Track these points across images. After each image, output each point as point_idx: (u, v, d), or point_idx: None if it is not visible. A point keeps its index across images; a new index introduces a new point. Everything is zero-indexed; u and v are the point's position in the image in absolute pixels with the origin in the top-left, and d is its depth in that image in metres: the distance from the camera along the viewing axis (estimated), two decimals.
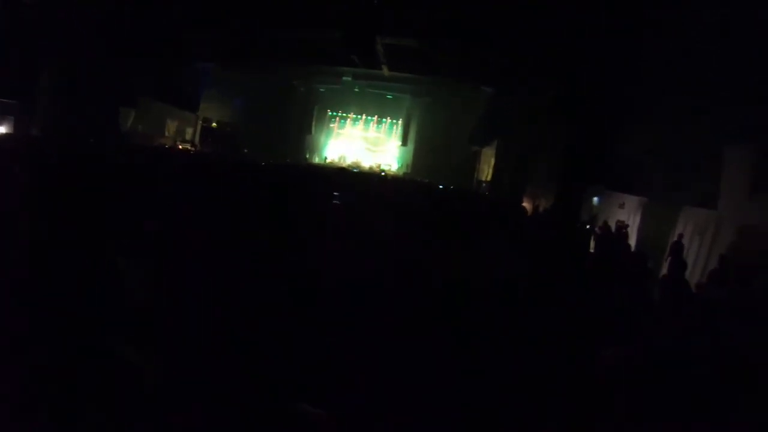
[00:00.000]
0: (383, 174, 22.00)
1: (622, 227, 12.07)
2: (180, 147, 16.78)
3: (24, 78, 10.61)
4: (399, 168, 23.95)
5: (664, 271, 10.41)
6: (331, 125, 25.36)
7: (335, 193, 7.55)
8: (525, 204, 16.75)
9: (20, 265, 3.09)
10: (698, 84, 8.84)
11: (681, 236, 9.88)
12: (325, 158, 24.81)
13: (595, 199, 13.87)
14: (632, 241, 11.31)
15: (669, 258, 9.01)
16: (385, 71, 20.11)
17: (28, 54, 10.33)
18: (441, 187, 16.35)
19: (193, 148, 17.76)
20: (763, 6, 7.25)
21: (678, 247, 9.62)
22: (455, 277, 4.25)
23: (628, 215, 12.17)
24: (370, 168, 23.74)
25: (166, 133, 17.40)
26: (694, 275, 9.17)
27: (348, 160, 24.57)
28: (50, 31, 10.56)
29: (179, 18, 13.35)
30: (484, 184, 19.41)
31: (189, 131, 19.00)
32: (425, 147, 22.43)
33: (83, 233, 3.76)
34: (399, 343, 3.07)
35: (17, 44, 9.88)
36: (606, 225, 12.67)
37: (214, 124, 20.29)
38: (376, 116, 24.78)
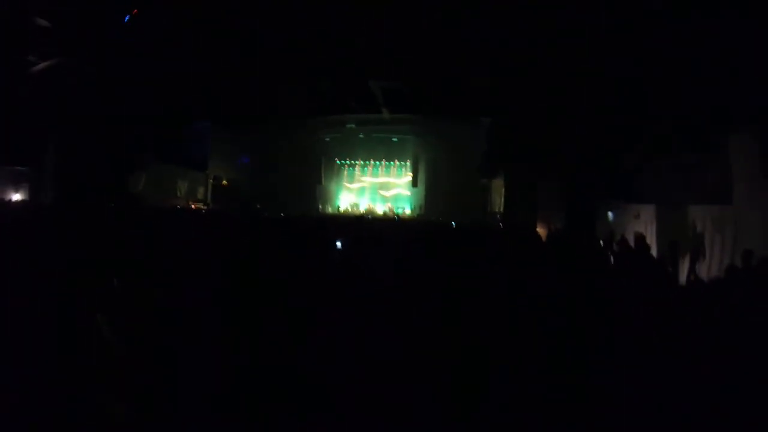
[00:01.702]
0: (397, 218, 22.03)
1: (640, 238, 11.82)
2: (193, 206, 17.04)
3: (36, 145, 10.98)
4: (412, 210, 23.94)
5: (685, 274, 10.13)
6: (341, 174, 25.64)
7: (343, 243, 7.52)
8: (539, 229, 16.56)
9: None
10: (692, 81, 8.82)
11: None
12: (338, 207, 24.93)
13: (610, 213, 13.67)
14: (653, 250, 11.05)
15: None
16: (386, 114, 20.47)
17: (39, 121, 10.72)
18: (453, 224, 16.26)
19: (205, 207, 18.01)
20: None
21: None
22: (478, 309, 4.17)
23: (644, 225, 11.94)
24: (384, 213, 23.79)
25: (178, 194, 17.73)
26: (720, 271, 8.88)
27: (361, 208, 24.68)
28: (58, 99, 11.00)
29: (177, 81, 13.84)
30: (497, 216, 19.28)
31: (200, 190, 19.35)
32: (436, 185, 22.47)
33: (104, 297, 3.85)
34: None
35: (28, 112, 10.29)
36: (623, 239, 12.42)
37: (224, 182, 20.63)
38: (383, 160, 25.01)
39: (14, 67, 9.97)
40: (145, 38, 11.11)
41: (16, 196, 10.87)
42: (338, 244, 7.66)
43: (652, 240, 11.26)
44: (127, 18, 10.73)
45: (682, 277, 10.06)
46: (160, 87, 12.92)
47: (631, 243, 12.12)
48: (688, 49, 8.30)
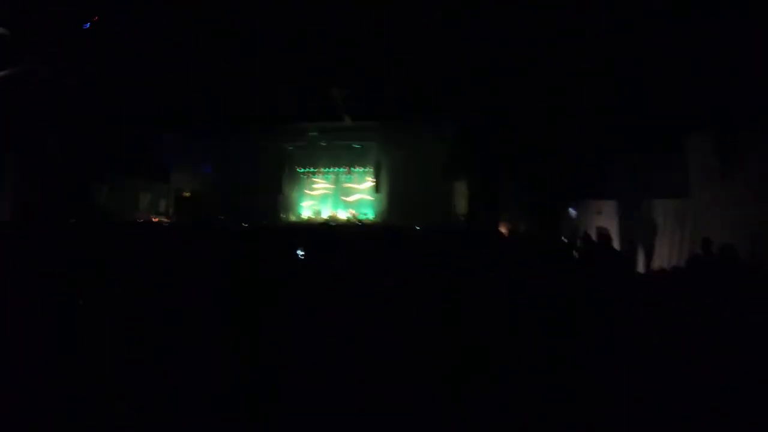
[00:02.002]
0: (360, 224, 22.10)
1: (603, 233, 12.29)
2: (155, 219, 16.66)
3: None
4: (376, 215, 24.05)
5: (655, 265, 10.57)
6: (303, 182, 25.56)
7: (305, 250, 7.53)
8: (502, 228, 16.96)
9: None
10: (652, 79, 9.26)
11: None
12: (300, 215, 24.82)
13: (571, 210, 14.15)
14: (615, 244, 11.50)
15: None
16: (348, 121, 20.52)
17: None
18: (417, 228, 16.45)
19: (168, 219, 17.63)
20: None
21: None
22: (445, 306, 4.29)
23: (607, 220, 12.42)
24: (347, 219, 23.82)
25: (140, 207, 17.31)
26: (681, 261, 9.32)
27: (323, 215, 24.65)
28: (14, 110, 10.59)
29: (140, 91, 13.55)
30: (461, 217, 19.61)
31: (162, 202, 18.93)
32: (399, 190, 22.62)
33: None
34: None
35: None
36: (586, 234, 12.85)
37: (186, 194, 20.25)
38: (347, 167, 25.08)
39: None
40: (107, 47, 10.84)
41: None
42: (300, 252, 7.69)
43: (614, 234, 11.74)
44: (87, 25, 10.44)
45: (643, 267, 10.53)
46: (122, 97, 12.61)
47: (594, 238, 12.59)
48: (650, 48, 8.72)
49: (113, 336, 3.72)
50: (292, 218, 24.39)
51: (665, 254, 10.02)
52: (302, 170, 25.34)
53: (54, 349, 3.48)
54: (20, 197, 11.36)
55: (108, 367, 3.30)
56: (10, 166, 11.43)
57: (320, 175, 25.50)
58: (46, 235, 8.60)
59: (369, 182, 24.82)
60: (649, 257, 10.51)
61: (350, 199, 25.29)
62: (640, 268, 10.70)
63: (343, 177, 25.40)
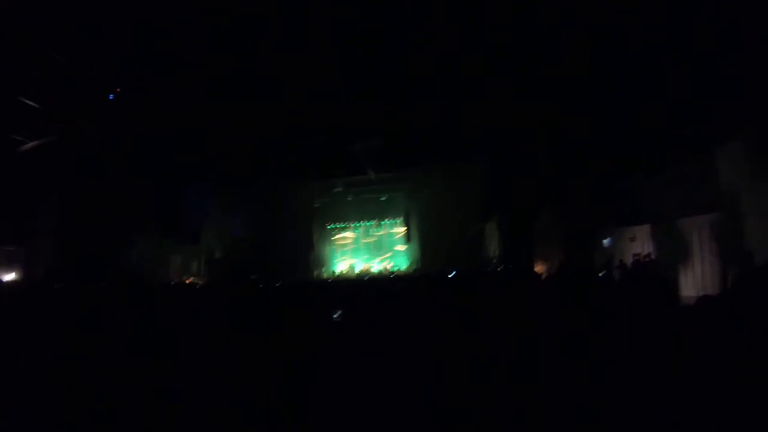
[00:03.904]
0: (392, 276, 21.86)
1: (640, 260, 11.78)
2: (187, 281, 16.85)
3: (25, 223, 10.94)
4: (408, 266, 23.81)
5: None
6: (333, 237, 25.65)
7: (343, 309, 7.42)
8: (537, 268, 16.46)
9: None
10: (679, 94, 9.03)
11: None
12: (333, 271, 24.76)
13: (606, 240, 13.68)
14: (653, 269, 10.98)
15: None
16: (372, 175, 20.72)
17: (29, 200, 10.74)
18: (450, 276, 16.13)
19: (200, 280, 17.81)
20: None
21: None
22: (485, 356, 4.10)
23: (642, 246, 11.94)
24: (380, 272, 23.63)
25: (171, 268, 17.58)
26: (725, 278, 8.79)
27: (357, 270, 24.54)
28: (48, 177, 11.08)
29: (170, 156, 14.04)
30: (495, 259, 19.21)
31: (194, 264, 19.22)
32: (429, 238, 22.43)
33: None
34: None
35: (16, 191, 10.32)
36: (621, 263, 12.37)
37: (216, 255, 20.53)
38: (375, 220, 25.13)
39: (2, 147, 10.13)
40: (135, 115, 11.35)
41: (8, 277, 10.73)
42: (337, 312, 7.53)
43: (651, 258, 11.23)
44: (111, 96, 10.98)
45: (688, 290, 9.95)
46: (150, 159, 13.09)
47: (630, 266, 12.07)
48: (673, 62, 8.56)
49: (145, 400, 3.68)
50: (325, 274, 24.34)
51: (706, 273, 9.48)
52: (332, 226, 25.49)
53: (83, 416, 3.45)
54: (54, 261, 11.70)
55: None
56: (45, 231, 11.84)
57: (350, 230, 25.58)
58: (74, 296, 8.71)
59: (399, 233, 24.75)
60: (689, 278, 9.96)
61: (382, 251, 25.19)
62: (682, 290, 10.13)
63: (372, 230, 25.41)
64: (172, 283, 16.31)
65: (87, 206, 12.12)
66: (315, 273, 23.82)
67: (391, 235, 25.21)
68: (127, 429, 3.14)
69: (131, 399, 3.56)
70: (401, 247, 24.64)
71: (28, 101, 9.69)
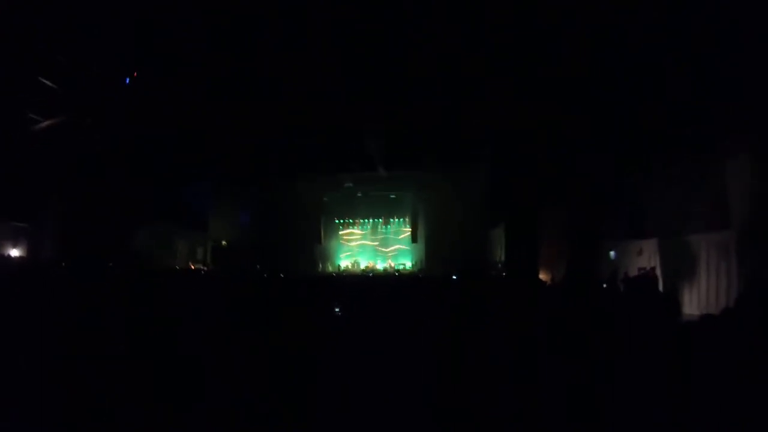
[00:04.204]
0: (397, 274, 21.88)
1: (646, 274, 11.69)
2: (192, 267, 16.96)
3: (35, 202, 11.04)
4: (413, 265, 23.84)
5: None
6: (340, 232, 25.71)
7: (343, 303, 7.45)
8: (542, 276, 16.39)
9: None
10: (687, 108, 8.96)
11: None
12: (338, 266, 24.83)
13: (612, 253, 13.59)
14: (659, 284, 10.91)
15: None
16: (382, 172, 20.73)
17: (39, 178, 10.84)
18: (454, 277, 16.12)
19: (205, 268, 17.93)
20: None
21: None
22: (486, 358, 4.11)
23: (648, 260, 11.85)
24: (384, 270, 23.68)
25: (177, 254, 17.69)
26: (728, 299, 8.72)
27: (361, 265, 24.59)
28: (59, 156, 11.18)
29: (180, 140, 14.12)
30: (499, 264, 19.16)
31: (200, 251, 19.32)
32: (435, 239, 22.47)
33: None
34: None
35: (29, 169, 10.42)
36: (626, 276, 12.28)
37: (223, 243, 20.62)
38: (382, 217, 25.16)
39: (16, 124, 10.21)
40: (146, 96, 11.42)
41: (14, 252, 10.84)
42: (336, 309, 7.56)
43: (657, 273, 11.14)
44: (128, 80, 11.06)
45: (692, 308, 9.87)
46: (162, 145, 13.17)
47: (636, 279, 11.98)
48: (685, 79, 8.48)
49: (146, 383, 3.72)
50: (330, 268, 24.42)
51: (711, 291, 9.40)
52: (339, 221, 25.55)
53: (84, 398, 3.48)
54: (61, 241, 11.80)
55: (139, 413, 3.32)
56: (54, 210, 11.94)
57: (357, 226, 25.63)
58: (87, 279, 8.81)
59: (406, 232, 24.77)
60: (694, 295, 9.89)
61: (387, 249, 25.21)
62: (687, 307, 10.05)
63: (380, 227, 25.44)
64: (178, 267, 16.45)
65: (96, 188, 12.21)
66: (320, 266, 23.91)
67: (398, 233, 25.24)
68: (128, 414, 3.17)
69: (133, 380, 3.59)
70: (406, 246, 24.65)
71: (42, 79, 9.77)
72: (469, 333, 4.95)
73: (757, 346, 4.06)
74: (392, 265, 24.17)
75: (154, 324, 5.30)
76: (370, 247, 25.45)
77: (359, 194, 24.05)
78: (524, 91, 12.15)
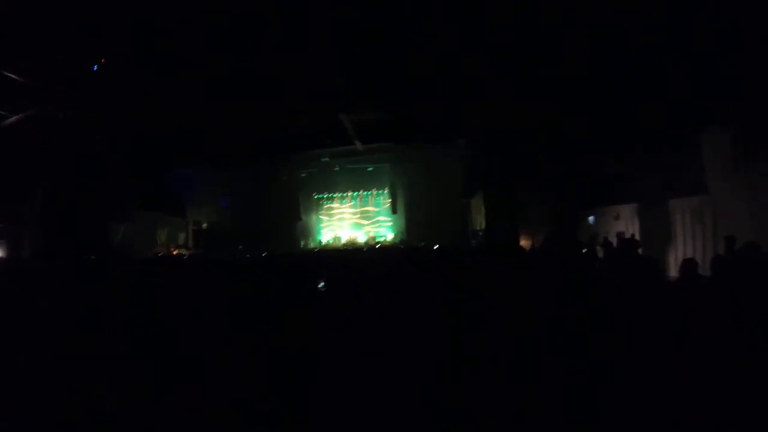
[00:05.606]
0: (378, 246, 22.02)
1: (624, 238, 12.01)
2: (174, 252, 16.83)
3: (12, 202, 10.79)
4: (394, 237, 23.99)
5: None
6: (319, 207, 25.66)
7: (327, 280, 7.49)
8: (522, 242, 16.71)
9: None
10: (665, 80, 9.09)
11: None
12: (320, 241, 24.85)
13: (590, 218, 13.92)
14: (636, 247, 11.23)
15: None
16: (359, 146, 20.65)
17: (15, 178, 10.57)
18: (435, 247, 16.31)
19: (187, 252, 17.80)
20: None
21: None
22: (469, 332, 4.19)
23: (625, 225, 12.17)
24: (366, 243, 23.76)
25: (158, 241, 17.52)
26: (705, 261, 9.03)
27: (343, 240, 24.64)
28: (32, 152, 10.89)
29: (154, 128, 13.83)
30: (480, 233, 19.42)
31: (181, 236, 19.15)
32: (415, 210, 22.65)
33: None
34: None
35: (4, 170, 10.15)
36: (606, 240, 12.59)
37: (204, 226, 20.47)
38: (361, 191, 25.13)
39: None
40: (120, 87, 11.12)
41: None
42: (321, 283, 7.61)
43: (635, 237, 11.46)
44: (95, 67, 10.72)
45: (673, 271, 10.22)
46: (137, 135, 12.88)
47: (614, 244, 12.30)
48: (659, 51, 8.59)
49: (134, 372, 3.71)
50: (312, 244, 24.43)
51: (688, 254, 9.73)
52: (318, 196, 25.47)
53: (71, 389, 3.47)
54: (40, 237, 11.58)
55: (127, 405, 3.31)
56: (31, 207, 11.67)
57: (337, 200, 25.57)
58: (66, 272, 8.69)
59: (385, 204, 24.83)
60: (671, 259, 10.23)
61: (368, 222, 25.28)
62: (664, 270, 10.40)
63: (359, 200, 25.43)
64: (159, 255, 16.30)
65: (73, 182, 11.92)
66: (302, 243, 23.91)
67: (378, 205, 25.27)
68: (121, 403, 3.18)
69: (121, 372, 3.59)
70: (387, 218, 24.75)
71: (11, 74, 9.42)
72: (452, 304, 5.06)
73: (736, 308, 4.28)
74: (373, 237, 24.26)
75: (136, 315, 5.31)
76: (351, 221, 25.47)
77: (336, 168, 23.95)
78: (499, 66, 12.15)
